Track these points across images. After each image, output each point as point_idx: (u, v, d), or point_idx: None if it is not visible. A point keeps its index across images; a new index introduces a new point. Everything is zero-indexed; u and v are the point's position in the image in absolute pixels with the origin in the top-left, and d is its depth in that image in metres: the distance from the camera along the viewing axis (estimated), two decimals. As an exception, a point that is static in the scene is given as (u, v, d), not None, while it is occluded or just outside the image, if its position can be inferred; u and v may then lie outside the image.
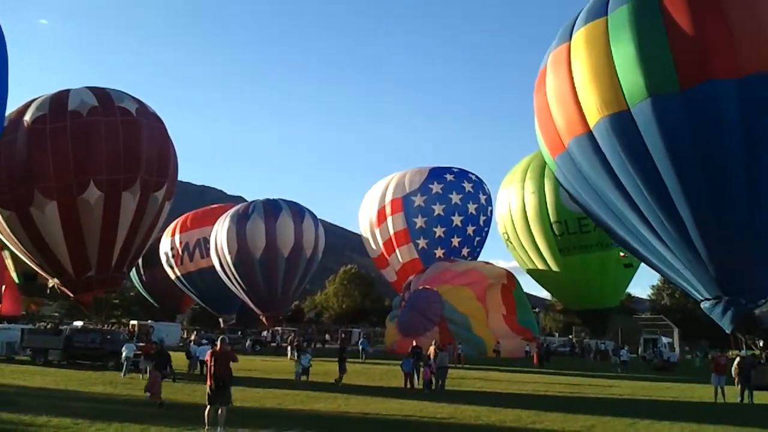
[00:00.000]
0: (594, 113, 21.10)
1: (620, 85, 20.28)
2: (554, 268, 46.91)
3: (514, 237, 48.42)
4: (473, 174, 58.54)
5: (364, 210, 58.99)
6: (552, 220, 45.21)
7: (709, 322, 22.90)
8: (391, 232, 55.32)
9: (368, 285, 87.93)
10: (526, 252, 48.05)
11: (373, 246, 57.97)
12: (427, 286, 44.28)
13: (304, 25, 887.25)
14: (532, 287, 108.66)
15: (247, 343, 46.86)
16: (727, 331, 21.93)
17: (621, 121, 20.45)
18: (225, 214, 52.98)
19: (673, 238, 21.01)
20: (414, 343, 27.78)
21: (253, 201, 54.50)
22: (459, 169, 58.76)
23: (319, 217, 55.24)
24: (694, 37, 19.23)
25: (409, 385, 23.17)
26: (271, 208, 51.93)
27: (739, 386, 22.33)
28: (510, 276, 47.10)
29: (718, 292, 21.07)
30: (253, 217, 50.74)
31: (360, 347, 41.57)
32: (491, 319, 43.33)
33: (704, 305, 21.93)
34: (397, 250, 55.29)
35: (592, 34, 21.27)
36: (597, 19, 21.37)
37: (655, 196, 20.65)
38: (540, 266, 47.96)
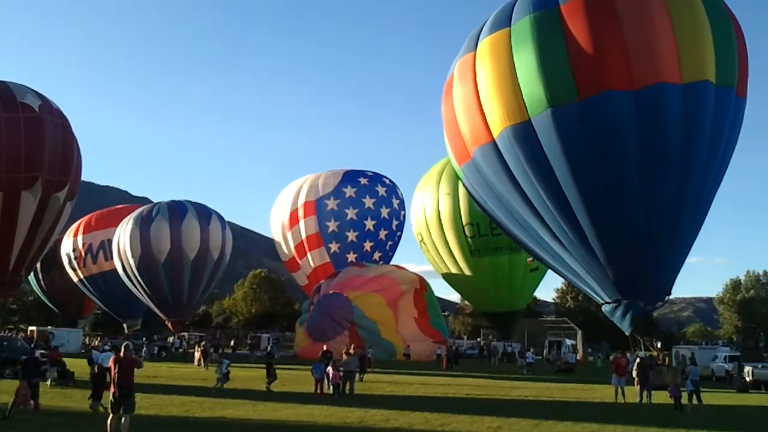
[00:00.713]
0: (497, 123, 21.59)
1: (522, 96, 20.79)
2: (466, 270, 47.72)
3: (428, 239, 49.01)
4: (387, 178, 58.95)
5: (276, 212, 58.29)
6: (464, 222, 45.95)
7: (611, 325, 23.74)
8: (303, 235, 54.92)
9: (278, 289, 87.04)
10: (439, 254, 48.71)
11: (285, 249, 57.42)
12: (337, 291, 44.15)
13: (208, 22, 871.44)
14: (441, 291, 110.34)
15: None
16: (626, 333, 22.78)
17: (523, 131, 20.99)
18: (128, 216, 51.01)
19: (574, 245, 21.74)
20: (324, 348, 27.65)
21: (157, 202, 52.79)
22: (373, 172, 59.02)
23: (227, 219, 54.26)
24: (592, 50, 19.90)
25: (319, 391, 23.06)
26: (176, 209, 50.13)
27: (638, 387, 23.20)
28: (421, 280, 47.66)
29: (617, 296, 21.90)
30: (157, 219, 48.85)
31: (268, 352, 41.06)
32: (402, 323, 43.69)
33: (605, 308, 22.75)
34: (308, 254, 54.97)
35: (496, 45, 21.73)
36: (501, 30, 21.82)
37: (556, 204, 21.31)
38: (452, 268, 48.68)
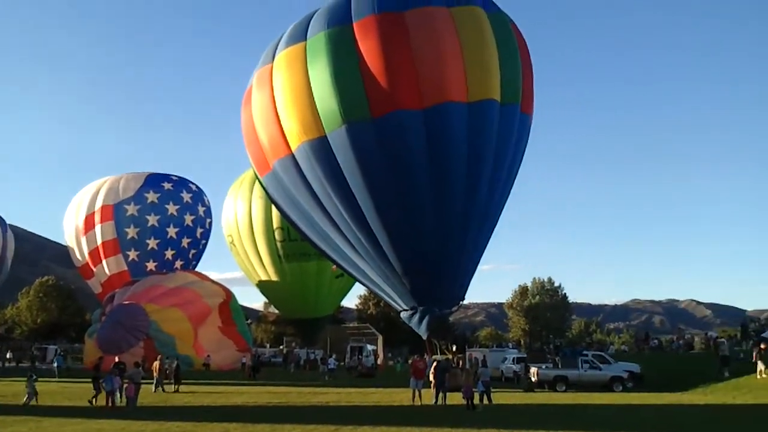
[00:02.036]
0: (295, 138, 21.77)
1: (318, 112, 21.03)
2: (274, 275, 47.46)
3: (239, 242, 48.17)
4: (193, 184, 56.90)
5: (70, 215, 54.09)
6: (275, 226, 45.58)
7: (410, 330, 24.49)
8: (99, 241, 51.45)
9: (68, 298, 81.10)
10: (249, 258, 47.99)
11: (78, 255, 53.65)
12: (133, 302, 41.87)
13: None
14: (244, 299, 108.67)
15: None
16: (423, 338, 23.63)
17: (319, 147, 21.30)
18: None
19: (371, 256, 22.34)
20: (116, 359, 26.22)
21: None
22: (178, 177, 56.59)
23: (9, 222, 49.87)
24: (383, 68, 20.45)
25: (110, 404, 21.80)
26: (-49, 211, 45.55)
27: (434, 389, 24.10)
28: (226, 291, 46.37)
29: (414, 303, 22.72)
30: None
31: (54, 365, 38.38)
32: (203, 334, 42.27)
33: (403, 315, 23.54)
34: (104, 261, 51.65)
35: (292, 59, 21.83)
36: (297, 44, 21.97)
37: (353, 218, 21.83)
38: (261, 272, 48.17)
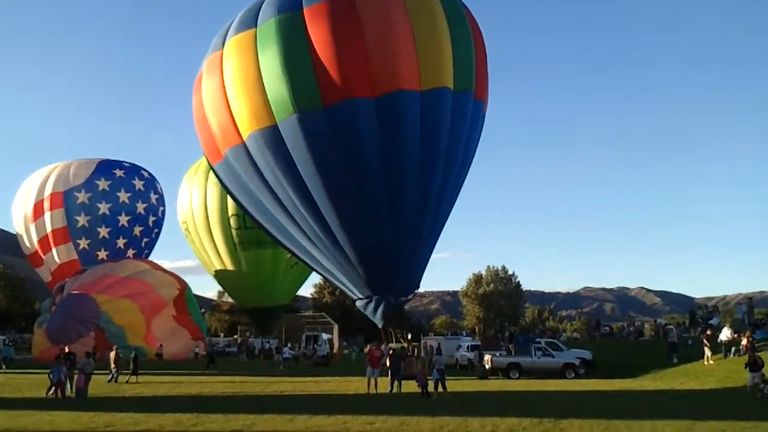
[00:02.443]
0: (245, 126, 21.45)
1: (268, 100, 20.71)
2: (229, 263, 46.98)
3: (194, 229, 47.54)
4: (146, 171, 56.00)
5: (19, 202, 52.76)
6: (230, 213, 45.01)
7: (365, 318, 24.53)
8: (48, 229, 50.36)
9: (16, 287, 79.39)
10: (204, 245, 47.43)
11: (27, 243, 52.44)
12: (83, 292, 41.07)
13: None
14: (197, 288, 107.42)
15: None
16: (379, 326, 23.65)
17: (270, 136, 20.98)
18: None
19: (326, 245, 22.24)
20: (66, 349, 25.74)
21: None
22: (130, 164, 55.62)
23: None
24: (334, 56, 20.14)
25: (59, 395, 21.40)
26: None
27: (390, 377, 24.21)
28: (179, 280, 45.81)
29: (368, 292, 22.67)
30: None
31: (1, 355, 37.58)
32: (157, 324, 41.72)
33: (358, 303, 23.50)
34: (54, 249, 50.60)
35: (242, 46, 21.41)
36: (247, 30, 21.54)
37: (306, 208, 21.64)
38: (216, 260, 47.65)
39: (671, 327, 43.57)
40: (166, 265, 51.51)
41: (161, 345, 41.07)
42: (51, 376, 21.79)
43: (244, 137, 21.55)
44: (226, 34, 22.34)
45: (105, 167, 53.18)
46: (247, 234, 44.85)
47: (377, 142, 20.65)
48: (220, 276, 49.88)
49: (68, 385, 22.10)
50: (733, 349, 30.89)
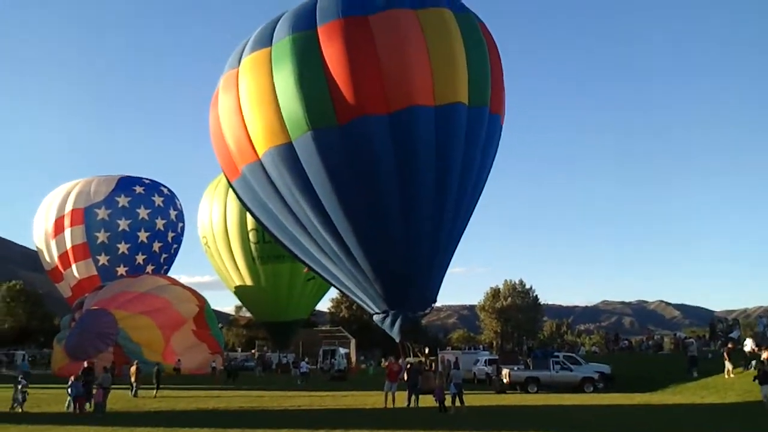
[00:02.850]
0: (261, 144, 21.57)
1: (283, 117, 20.83)
2: (248, 276, 47.15)
3: (213, 243, 47.84)
4: (165, 187, 56.48)
5: (40, 218, 53.49)
6: (249, 227, 45.23)
7: (383, 333, 24.51)
8: (69, 245, 50.92)
9: (36, 303, 79.95)
10: (222, 259, 47.70)
11: (48, 258, 53.04)
12: (102, 308, 41.27)
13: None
14: (214, 302, 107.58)
15: None
16: (396, 341, 23.63)
17: (285, 153, 21.09)
18: None
19: (342, 261, 22.27)
20: (86, 364, 25.90)
21: None
22: (150, 180, 56.20)
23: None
24: (348, 73, 20.22)
25: (77, 410, 21.55)
26: None
27: (407, 391, 24.17)
28: (198, 296, 46.01)
29: (385, 307, 22.65)
30: None
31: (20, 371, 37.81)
32: (179, 336, 41.86)
33: (375, 318, 23.50)
34: (73, 265, 51.09)
35: (257, 64, 21.57)
36: (262, 49, 21.70)
37: (323, 224, 21.70)
38: (234, 274, 47.84)
39: (691, 340, 43.16)
40: (184, 280, 51.88)
41: (179, 360, 41.19)
42: (69, 390, 21.95)
43: (260, 154, 21.70)
44: (242, 52, 22.54)
45: (125, 184, 53.74)
46: (266, 248, 45.00)
47: (392, 159, 20.70)
48: (238, 290, 50.07)
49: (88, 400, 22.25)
50: (754, 362, 30.57)
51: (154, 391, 28.61)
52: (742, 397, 25.73)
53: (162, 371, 38.05)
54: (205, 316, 45.15)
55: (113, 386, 23.89)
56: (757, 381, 22.16)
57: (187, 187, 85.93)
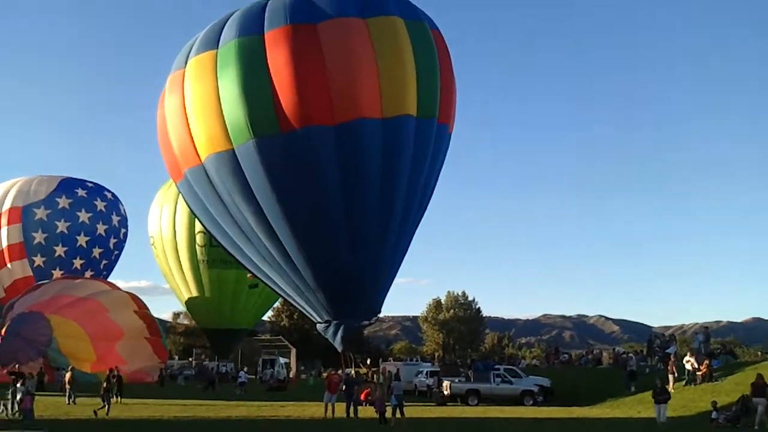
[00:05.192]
0: (204, 149, 21.12)
1: (226, 124, 20.41)
2: (192, 281, 46.16)
3: (160, 243, 46.84)
4: (110, 191, 54.83)
5: (-23, 216, 51.82)
6: (197, 229, 44.32)
7: (324, 343, 24.26)
8: (5, 244, 49.04)
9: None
10: (168, 261, 46.75)
11: (-17, 258, 51.30)
12: (36, 311, 39.70)
13: None
14: (152, 309, 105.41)
15: None
16: (339, 351, 23.44)
17: (227, 160, 20.66)
18: None
19: (284, 270, 21.94)
20: (17, 368, 25.09)
21: None
22: (94, 184, 54.42)
23: None
24: (293, 83, 19.82)
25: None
26: None
27: (346, 402, 24.04)
28: (136, 299, 44.84)
29: (328, 316, 22.38)
30: None
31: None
32: (128, 342, 40.72)
33: (318, 326, 23.21)
34: (8, 264, 49.41)
35: (203, 66, 21.08)
36: (208, 51, 21.19)
37: (264, 232, 21.31)
38: (179, 277, 46.85)
39: (631, 355, 43.95)
40: (119, 284, 50.50)
41: (116, 367, 39.72)
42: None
43: (203, 159, 21.26)
44: (189, 53, 22.07)
45: (67, 185, 52.07)
46: (212, 252, 44.08)
47: (336, 170, 20.39)
48: (181, 293, 49.14)
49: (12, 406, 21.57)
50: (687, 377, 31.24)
51: (116, 398, 27.72)
52: (678, 412, 26.22)
53: (92, 382, 37.15)
54: (152, 318, 44.12)
55: (45, 393, 23.16)
56: (653, 399, 22.73)
57: (140, 190, 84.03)
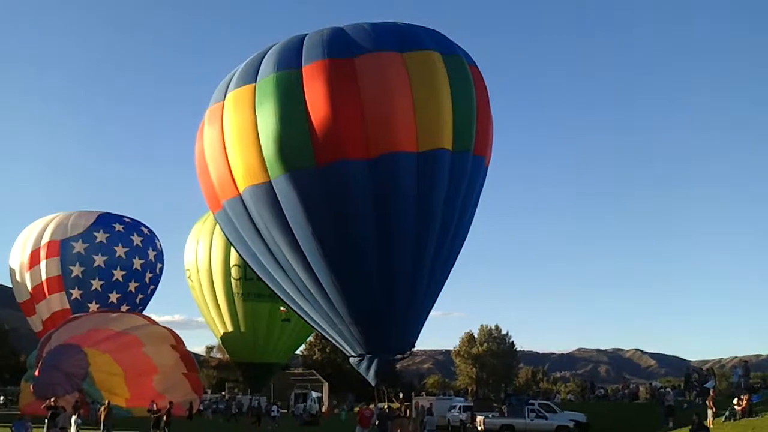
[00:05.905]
0: (242, 181, 21.47)
1: (263, 156, 20.70)
2: (227, 314, 46.80)
3: (195, 276, 47.54)
4: (146, 227, 55.95)
5: (16, 251, 52.74)
6: (233, 263, 44.98)
7: (356, 377, 24.22)
8: (44, 277, 50.12)
9: (1, 339, 78.12)
10: (203, 294, 47.35)
11: (22, 291, 52.22)
12: (74, 343, 39.79)
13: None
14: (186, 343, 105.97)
15: None
16: (372, 385, 23.40)
17: (264, 192, 20.97)
18: None
19: (319, 303, 22.10)
20: (52, 402, 25.33)
21: None
22: (131, 219, 55.69)
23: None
24: (329, 115, 20.04)
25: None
26: None
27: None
28: (174, 335, 45.03)
29: (362, 350, 22.44)
30: None
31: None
32: (166, 380, 40.78)
33: (352, 360, 23.27)
34: (47, 298, 50.29)
35: (241, 100, 21.44)
36: (246, 85, 21.57)
37: (299, 265, 21.53)
38: (214, 310, 47.43)
39: (668, 390, 43.23)
40: (153, 318, 50.87)
41: (153, 401, 39.73)
42: (13, 429, 21.46)
43: (240, 191, 21.63)
44: (228, 86, 22.54)
45: (104, 220, 53.21)
46: (247, 285, 44.78)
47: (370, 204, 20.53)
48: (215, 326, 49.55)
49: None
50: (728, 412, 30.58)
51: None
52: (717, 448, 25.69)
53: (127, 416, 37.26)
54: (189, 354, 44.33)
55: (83, 427, 23.40)
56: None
57: (176, 224, 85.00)
